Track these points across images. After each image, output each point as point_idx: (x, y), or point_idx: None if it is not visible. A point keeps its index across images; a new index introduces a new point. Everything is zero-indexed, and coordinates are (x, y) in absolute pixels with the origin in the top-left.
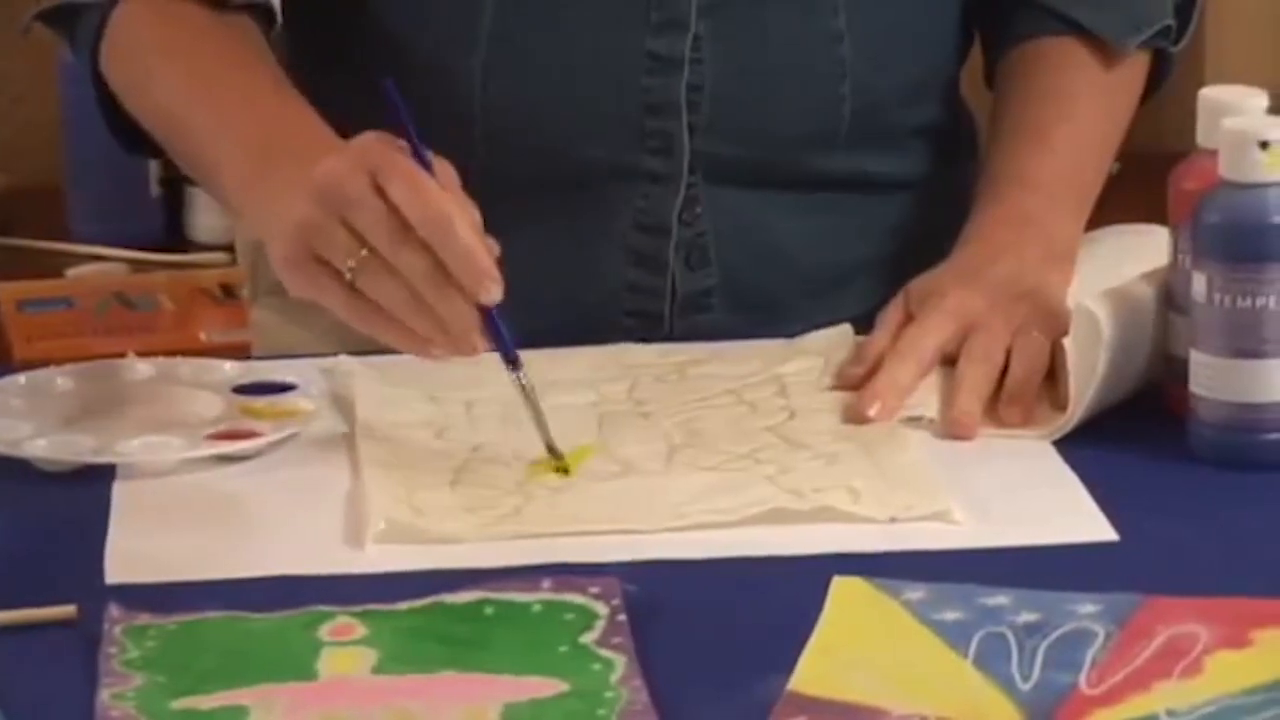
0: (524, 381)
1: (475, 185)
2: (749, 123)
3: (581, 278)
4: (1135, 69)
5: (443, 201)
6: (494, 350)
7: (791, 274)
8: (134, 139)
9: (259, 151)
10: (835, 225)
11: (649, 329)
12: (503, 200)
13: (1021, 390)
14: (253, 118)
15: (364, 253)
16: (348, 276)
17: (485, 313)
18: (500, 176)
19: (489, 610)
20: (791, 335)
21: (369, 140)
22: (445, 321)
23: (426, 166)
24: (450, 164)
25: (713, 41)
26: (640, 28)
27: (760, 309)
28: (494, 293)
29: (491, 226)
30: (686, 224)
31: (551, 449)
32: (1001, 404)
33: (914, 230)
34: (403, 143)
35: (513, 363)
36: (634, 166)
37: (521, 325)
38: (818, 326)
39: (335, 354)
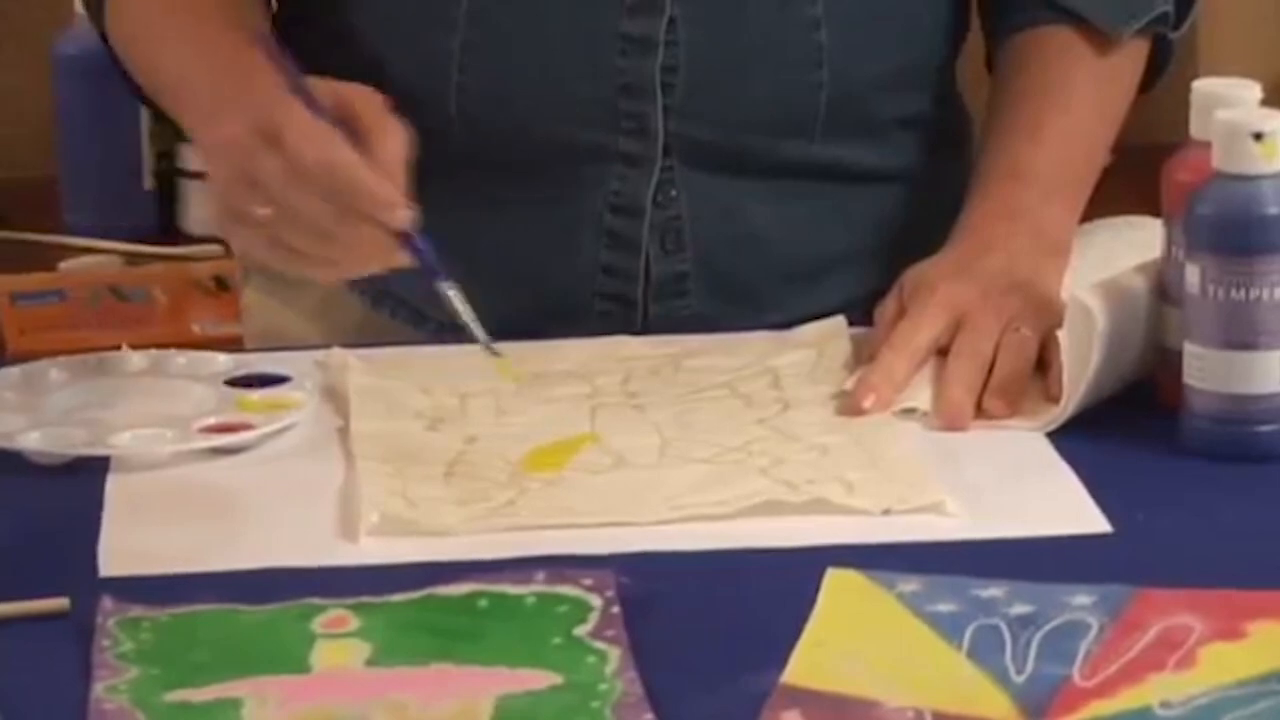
0: (451, 292)
1: (451, 165)
2: (724, 107)
3: (555, 258)
4: (1133, 58)
5: (330, 144)
6: (416, 266)
7: (769, 261)
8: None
9: (206, 111)
10: (814, 214)
11: (623, 313)
12: (478, 180)
13: (1005, 387)
14: (206, 73)
15: (272, 205)
16: (266, 230)
17: (404, 235)
18: (476, 157)
19: (482, 603)
20: (770, 324)
21: (260, 96)
22: (357, 251)
23: (317, 103)
24: (369, 88)
25: (688, 24)
26: (615, 9)
27: (737, 296)
28: (403, 219)
29: (466, 206)
30: (661, 206)
31: (490, 350)
32: (985, 397)
33: (897, 223)
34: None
35: (434, 275)
36: (608, 148)
37: (494, 306)
38: (797, 316)
39: (319, 334)
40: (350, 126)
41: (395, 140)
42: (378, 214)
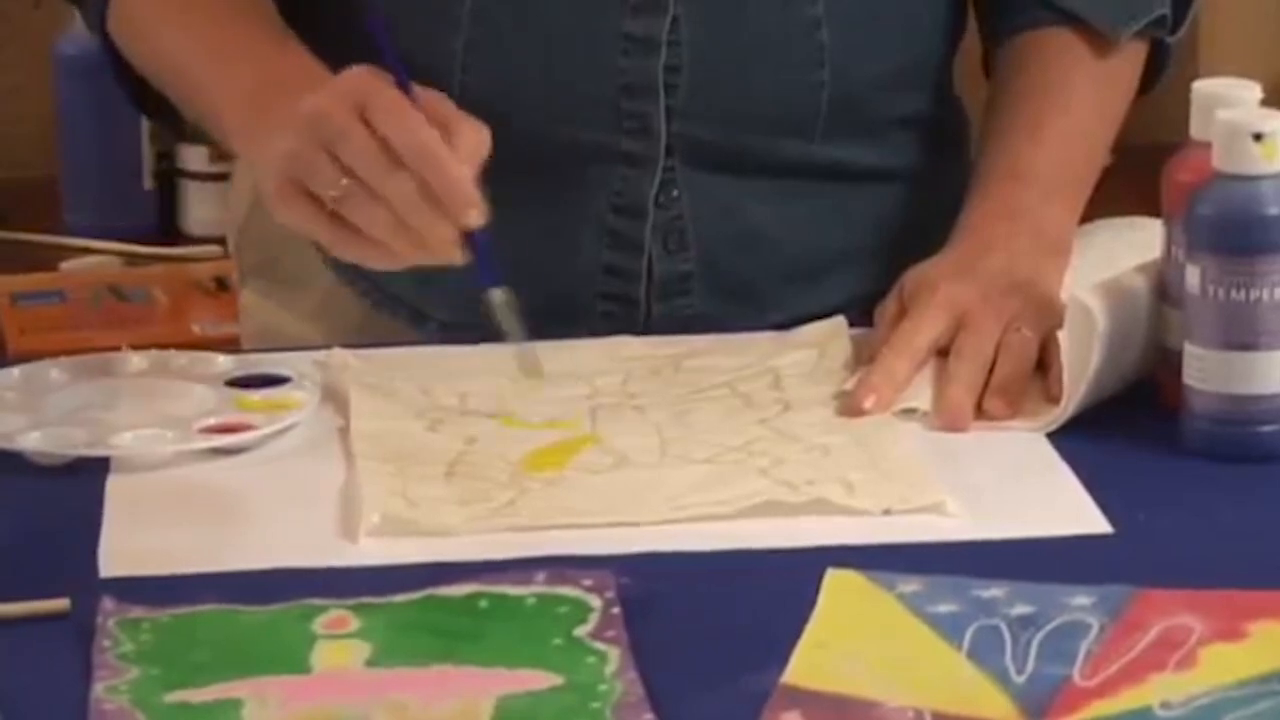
0: (499, 299)
1: None
2: (726, 106)
3: (557, 258)
4: (1132, 60)
5: (426, 130)
6: (473, 265)
7: (771, 260)
8: (149, 100)
9: (254, 96)
10: (815, 213)
11: (625, 313)
12: (480, 179)
13: (1006, 387)
14: (249, 65)
15: (346, 181)
16: (330, 205)
17: (468, 234)
18: None
19: (483, 603)
20: (772, 323)
21: (355, 73)
22: (427, 242)
23: (411, 97)
24: (438, 91)
25: (691, 24)
26: (618, 9)
27: (739, 295)
28: (476, 218)
29: None
30: (663, 207)
31: (521, 359)
32: (985, 398)
33: (896, 221)
34: (389, 76)
35: (489, 278)
36: (611, 148)
37: None
38: (798, 314)
39: (319, 335)
40: (431, 120)
41: (478, 137)
42: (456, 207)
